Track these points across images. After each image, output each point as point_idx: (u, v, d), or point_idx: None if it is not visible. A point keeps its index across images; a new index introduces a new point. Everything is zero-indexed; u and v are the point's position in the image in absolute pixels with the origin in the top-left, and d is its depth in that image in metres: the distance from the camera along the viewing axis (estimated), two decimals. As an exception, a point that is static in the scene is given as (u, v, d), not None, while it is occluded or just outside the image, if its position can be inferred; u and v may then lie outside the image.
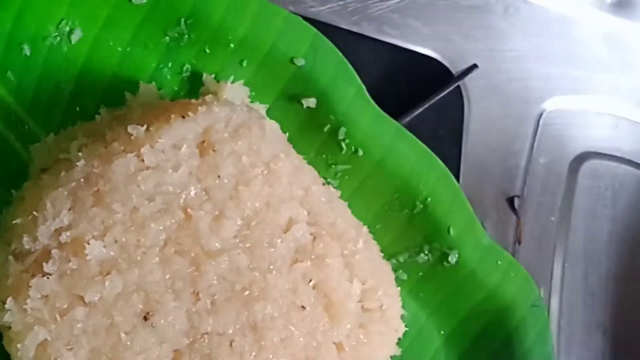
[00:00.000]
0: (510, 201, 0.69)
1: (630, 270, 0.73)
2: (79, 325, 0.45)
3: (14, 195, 0.52)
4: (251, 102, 0.57)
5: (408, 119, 0.65)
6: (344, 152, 0.57)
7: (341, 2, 0.66)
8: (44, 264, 0.46)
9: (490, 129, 0.69)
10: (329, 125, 0.57)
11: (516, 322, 0.61)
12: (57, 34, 0.53)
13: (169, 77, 0.56)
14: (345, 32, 0.66)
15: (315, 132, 0.57)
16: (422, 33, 0.68)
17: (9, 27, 0.52)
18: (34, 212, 0.47)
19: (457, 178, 0.66)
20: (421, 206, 0.58)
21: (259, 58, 0.56)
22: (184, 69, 0.56)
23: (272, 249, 0.50)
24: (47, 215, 0.47)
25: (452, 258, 0.59)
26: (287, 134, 0.56)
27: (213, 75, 0.56)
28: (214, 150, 0.50)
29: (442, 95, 0.67)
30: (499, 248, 0.61)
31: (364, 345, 0.53)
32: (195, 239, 0.48)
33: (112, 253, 0.46)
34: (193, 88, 0.56)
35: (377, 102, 0.58)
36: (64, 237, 0.46)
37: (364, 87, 0.57)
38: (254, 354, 0.48)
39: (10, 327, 0.46)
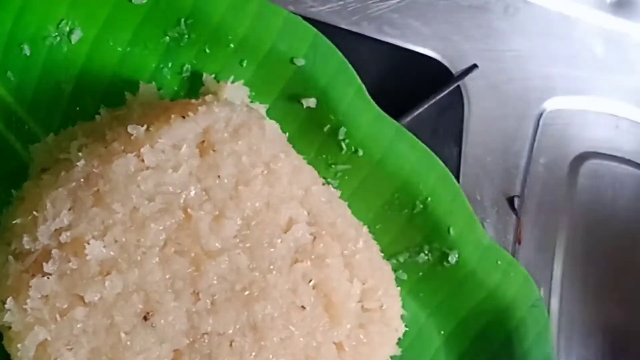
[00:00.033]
0: (510, 201, 0.69)
1: (631, 270, 0.73)
2: (79, 325, 0.45)
3: (14, 195, 0.52)
4: (251, 102, 0.57)
5: (408, 119, 0.65)
6: (344, 152, 0.57)
7: (341, 2, 0.66)
8: (44, 264, 0.46)
9: (490, 129, 0.69)
10: (329, 125, 0.57)
11: (516, 322, 0.61)
12: (57, 34, 0.53)
13: (169, 77, 0.56)
14: (345, 32, 0.65)
15: (315, 132, 0.57)
16: (422, 33, 0.68)
17: (9, 27, 0.52)
18: (34, 212, 0.47)
19: (457, 178, 0.66)
20: (421, 206, 0.58)
21: (259, 58, 0.56)
22: (184, 69, 0.56)
23: (272, 249, 0.50)
24: (47, 215, 0.46)
25: (452, 258, 0.59)
26: (287, 134, 0.56)
27: (213, 75, 0.56)
28: (214, 150, 0.50)
29: (442, 95, 0.67)
30: (499, 248, 0.61)
31: (364, 345, 0.53)
32: (195, 239, 0.48)
33: (112, 253, 0.46)
34: (193, 88, 0.56)
35: (377, 102, 0.58)
36: (64, 237, 0.46)
37: (364, 87, 0.57)
38: (254, 354, 0.48)
39: (10, 327, 0.46)
